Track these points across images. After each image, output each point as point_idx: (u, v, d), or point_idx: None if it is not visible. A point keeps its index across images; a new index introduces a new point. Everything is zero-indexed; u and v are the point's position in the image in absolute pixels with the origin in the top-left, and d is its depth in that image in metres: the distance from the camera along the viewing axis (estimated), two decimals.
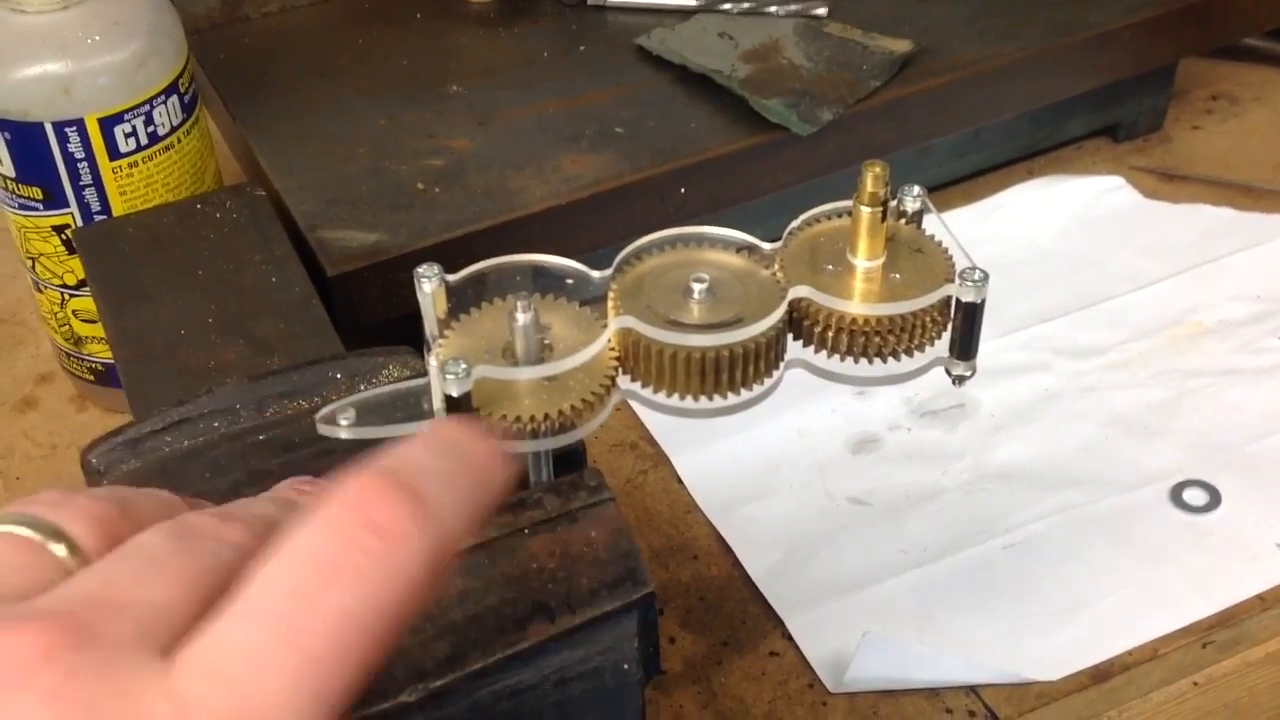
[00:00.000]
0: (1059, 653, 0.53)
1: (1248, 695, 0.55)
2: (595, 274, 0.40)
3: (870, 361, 0.40)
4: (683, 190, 0.65)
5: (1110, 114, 0.78)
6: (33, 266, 0.63)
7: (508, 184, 0.63)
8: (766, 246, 0.41)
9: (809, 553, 0.57)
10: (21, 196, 0.61)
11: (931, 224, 0.43)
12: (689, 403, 0.39)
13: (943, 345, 0.41)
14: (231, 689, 0.25)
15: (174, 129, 0.61)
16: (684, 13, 0.74)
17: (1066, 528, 0.57)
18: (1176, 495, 0.58)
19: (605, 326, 0.38)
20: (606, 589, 0.36)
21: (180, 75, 0.61)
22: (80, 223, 0.61)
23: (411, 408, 0.37)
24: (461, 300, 0.39)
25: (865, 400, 0.64)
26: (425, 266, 0.38)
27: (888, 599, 0.55)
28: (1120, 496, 0.59)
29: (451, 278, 0.39)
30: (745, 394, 0.39)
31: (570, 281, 0.40)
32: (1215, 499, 0.58)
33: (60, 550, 0.28)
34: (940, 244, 0.41)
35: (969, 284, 0.39)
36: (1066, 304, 0.68)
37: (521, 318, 0.36)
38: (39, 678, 0.24)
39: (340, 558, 0.26)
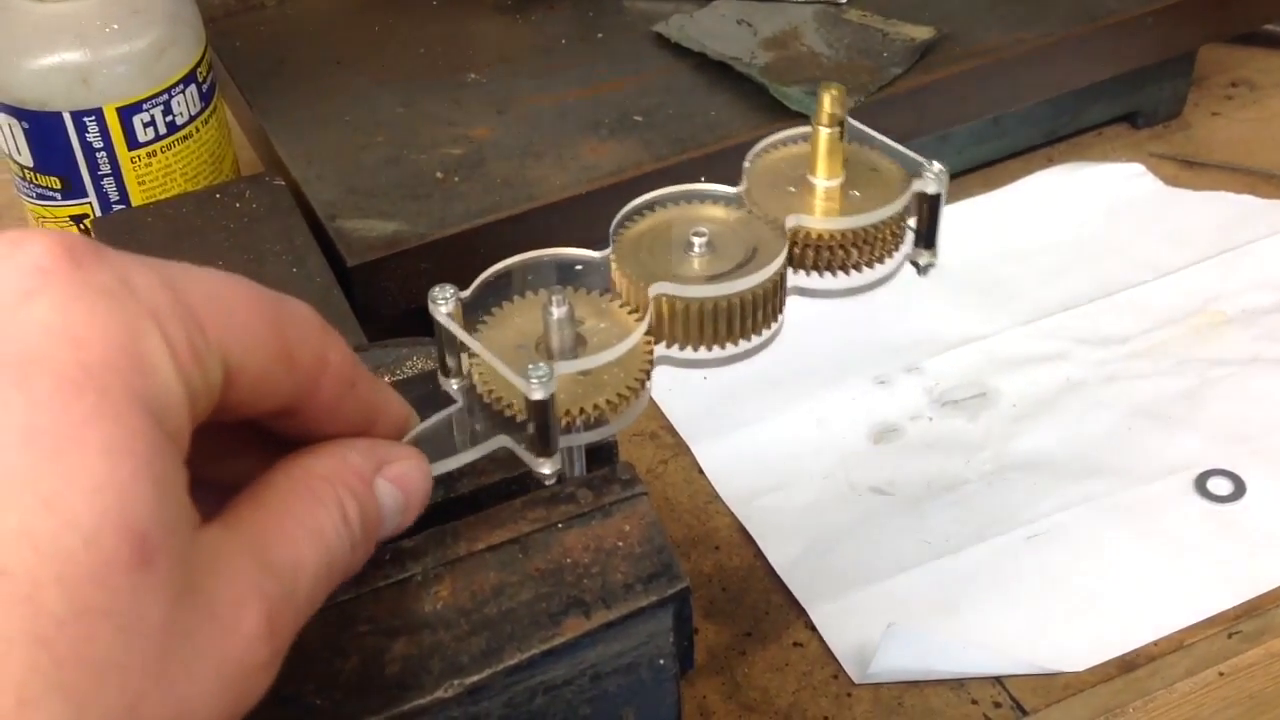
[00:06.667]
0: (1084, 643, 0.53)
1: (1273, 685, 0.55)
2: (597, 254, 0.41)
3: (834, 274, 0.42)
4: (703, 178, 0.64)
5: (1130, 100, 0.78)
6: None
7: (527, 173, 0.63)
8: (732, 190, 0.43)
9: (831, 543, 0.57)
10: (40, 186, 0.61)
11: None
12: (727, 350, 0.41)
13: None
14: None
15: (192, 118, 0.61)
16: None
17: (1090, 518, 0.57)
18: (1201, 485, 0.58)
19: (638, 318, 0.38)
20: (641, 584, 0.36)
21: (198, 64, 0.61)
22: (99, 213, 0.61)
23: (443, 441, 0.37)
24: (483, 297, 0.39)
25: (886, 389, 0.64)
26: (439, 288, 0.38)
27: (911, 589, 0.55)
28: (1144, 486, 0.58)
29: (464, 294, 0.38)
30: (769, 331, 0.42)
31: (579, 268, 0.41)
32: (1240, 488, 0.58)
33: None
34: (895, 164, 0.43)
35: (929, 175, 0.42)
36: (1087, 292, 0.68)
37: (556, 311, 0.36)
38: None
39: None
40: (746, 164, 0.43)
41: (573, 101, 0.67)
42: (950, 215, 0.73)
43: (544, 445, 0.35)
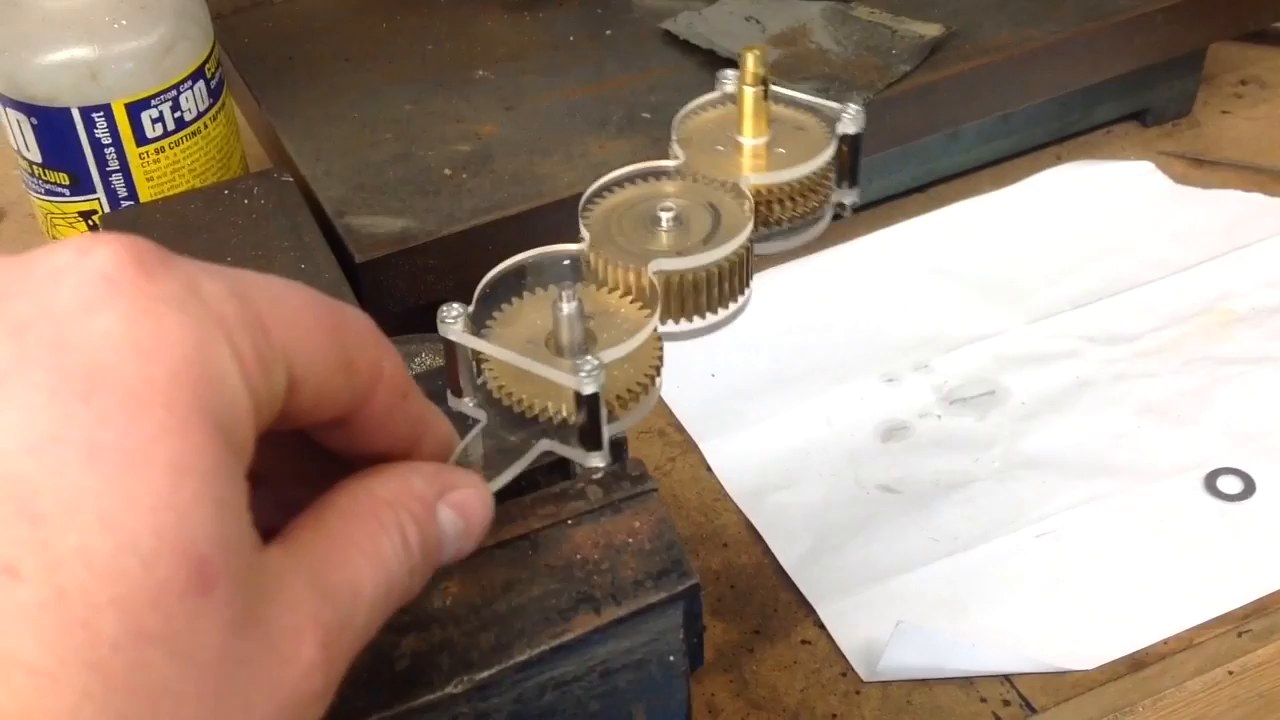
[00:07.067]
0: (1093, 642, 0.53)
1: None
2: (577, 247, 0.41)
3: (765, 227, 0.44)
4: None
5: (1139, 99, 0.78)
6: None
7: (535, 170, 0.63)
8: (672, 163, 0.44)
9: (840, 541, 0.57)
10: (48, 182, 0.61)
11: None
12: (716, 316, 0.42)
13: None
14: None
15: (200, 114, 0.61)
16: None
17: (1099, 516, 0.57)
18: (1210, 483, 0.58)
19: (639, 304, 0.38)
20: (651, 580, 0.36)
21: (206, 60, 0.61)
22: (107, 209, 0.61)
23: (485, 460, 0.37)
24: (482, 307, 0.39)
25: (895, 387, 0.64)
26: (446, 308, 0.37)
27: (920, 588, 0.55)
28: (1153, 485, 0.58)
29: (469, 308, 0.38)
30: (750, 288, 0.43)
31: (566, 263, 0.41)
32: (1250, 487, 0.58)
33: None
34: (818, 121, 0.45)
35: (847, 117, 0.44)
36: (1097, 290, 0.68)
37: (566, 307, 0.36)
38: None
39: None
40: (675, 136, 0.45)
41: (581, 98, 0.67)
42: (958, 213, 0.73)
43: (596, 439, 0.36)
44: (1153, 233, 0.71)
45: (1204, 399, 0.62)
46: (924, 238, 0.71)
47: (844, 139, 0.44)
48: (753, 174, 0.43)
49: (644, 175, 0.44)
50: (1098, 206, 0.73)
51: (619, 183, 0.43)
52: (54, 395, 0.24)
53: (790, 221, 0.44)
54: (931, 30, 0.69)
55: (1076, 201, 0.73)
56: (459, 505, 0.32)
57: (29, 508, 0.23)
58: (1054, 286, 0.68)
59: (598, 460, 0.36)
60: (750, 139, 0.44)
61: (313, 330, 0.29)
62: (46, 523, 0.23)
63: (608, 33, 0.72)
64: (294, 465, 0.32)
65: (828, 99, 0.64)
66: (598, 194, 0.43)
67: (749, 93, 0.43)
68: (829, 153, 0.44)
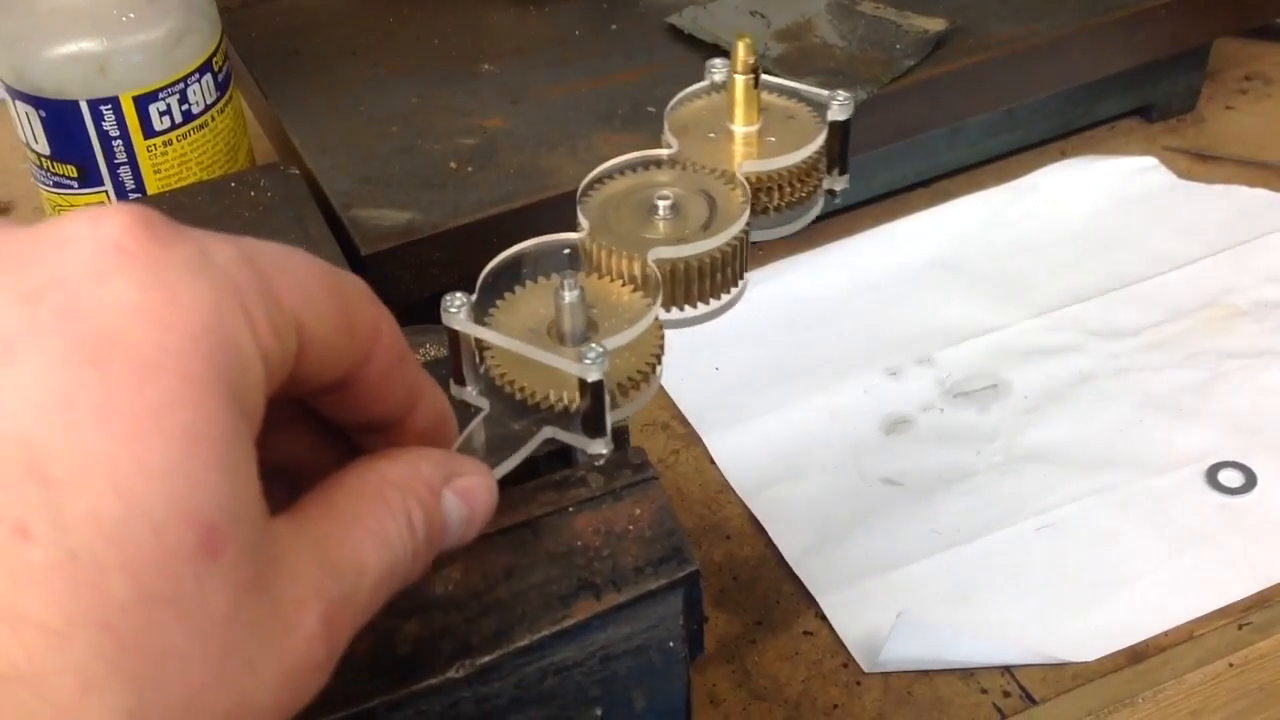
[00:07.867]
0: (1094, 634, 0.53)
1: None
2: (577, 236, 0.42)
3: (758, 214, 0.45)
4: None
5: (1143, 94, 0.78)
6: None
7: (541, 163, 0.63)
8: (666, 151, 0.45)
9: (842, 533, 0.57)
10: (56, 174, 0.61)
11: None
12: (712, 304, 0.43)
13: None
14: None
15: (208, 107, 0.62)
16: None
17: (1101, 509, 0.57)
18: (1212, 476, 0.58)
19: (639, 293, 0.39)
20: (651, 567, 0.36)
21: (214, 53, 0.61)
22: (115, 201, 0.61)
23: (485, 448, 0.37)
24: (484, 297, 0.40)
25: (897, 381, 0.64)
26: (449, 296, 0.38)
27: (921, 580, 0.55)
28: (1155, 478, 0.58)
29: (473, 299, 0.39)
30: (745, 275, 0.44)
31: (566, 252, 0.42)
32: (1251, 480, 0.58)
33: None
34: (808, 110, 0.46)
35: (836, 104, 0.44)
36: (1100, 285, 0.68)
37: (568, 295, 0.36)
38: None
39: None
40: (667, 125, 0.45)
41: (586, 92, 0.68)
42: (963, 208, 0.73)
43: (599, 426, 0.36)
44: (1156, 228, 0.71)
45: (1206, 393, 0.62)
46: (927, 232, 0.72)
47: (834, 126, 0.45)
48: (746, 161, 0.44)
49: (639, 165, 0.44)
50: (1101, 201, 0.73)
51: (615, 172, 0.44)
52: (66, 361, 0.24)
53: (783, 208, 0.44)
54: (936, 25, 0.69)
55: (1080, 196, 0.73)
56: (464, 492, 0.32)
57: (40, 470, 0.23)
58: (1057, 281, 0.68)
59: (600, 447, 0.37)
60: (742, 127, 0.45)
61: (317, 294, 0.29)
62: (57, 485, 0.23)
63: (613, 27, 0.73)
64: (291, 439, 0.32)
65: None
66: (594, 183, 0.43)
67: (740, 81, 0.44)
68: (820, 140, 0.44)
